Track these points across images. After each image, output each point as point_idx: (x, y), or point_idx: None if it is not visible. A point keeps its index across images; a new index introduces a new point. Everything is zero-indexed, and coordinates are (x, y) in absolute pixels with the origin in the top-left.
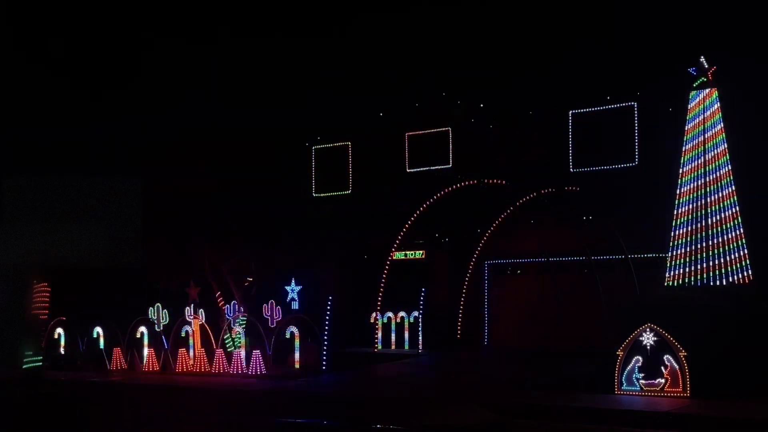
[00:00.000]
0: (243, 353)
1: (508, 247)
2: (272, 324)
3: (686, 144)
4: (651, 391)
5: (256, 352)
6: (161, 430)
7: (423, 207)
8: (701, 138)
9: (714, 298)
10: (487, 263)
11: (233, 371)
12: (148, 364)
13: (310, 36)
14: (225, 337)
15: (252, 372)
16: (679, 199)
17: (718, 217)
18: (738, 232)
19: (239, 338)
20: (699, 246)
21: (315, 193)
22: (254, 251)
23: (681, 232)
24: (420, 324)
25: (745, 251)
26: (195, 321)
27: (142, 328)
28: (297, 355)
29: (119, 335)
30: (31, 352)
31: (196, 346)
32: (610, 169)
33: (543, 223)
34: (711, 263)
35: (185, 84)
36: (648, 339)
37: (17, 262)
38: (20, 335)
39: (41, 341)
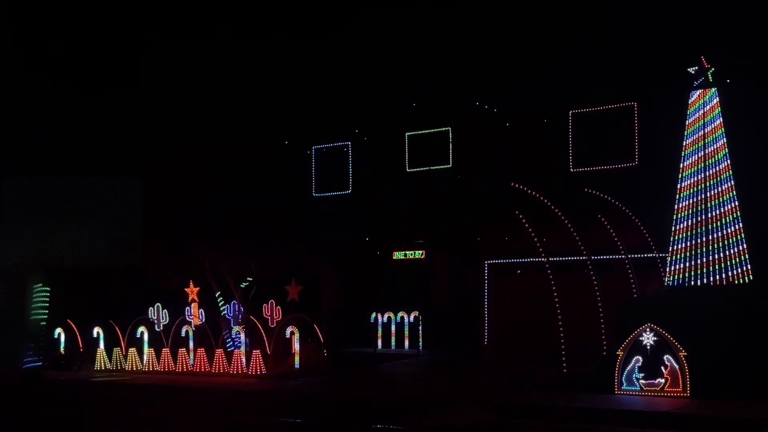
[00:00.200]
0: (243, 353)
1: (508, 247)
2: (272, 324)
3: (687, 138)
4: (651, 391)
5: (256, 352)
6: (161, 429)
7: (423, 207)
8: (701, 132)
9: (714, 298)
10: (487, 263)
11: (233, 371)
12: (148, 364)
13: (310, 36)
14: (225, 337)
15: (252, 372)
16: (679, 194)
17: (717, 212)
18: (737, 227)
19: (239, 338)
20: (699, 240)
21: (315, 193)
22: (254, 251)
23: (681, 226)
24: (420, 324)
25: (745, 246)
26: (195, 321)
27: (142, 328)
28: (297, 355)
29: (119, 335)
30: (30, 352)
31: (195, 346)
32: (610, 169)
33: (543, 223)
34: (711, 258)
35: (185, 84)
36: (648, 339)
37: (17, 262)
38: (20, 335)
39: (41, 341)
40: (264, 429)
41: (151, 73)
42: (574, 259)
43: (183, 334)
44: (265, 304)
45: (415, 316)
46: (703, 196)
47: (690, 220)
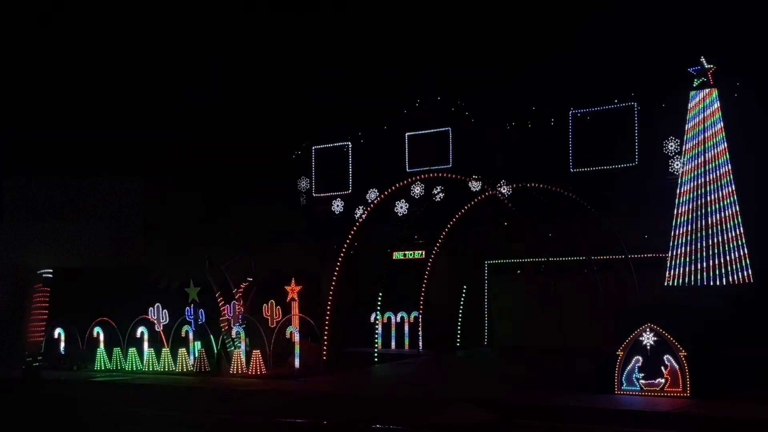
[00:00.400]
0: (243, 353)
1: (508, 247)
2: (272, 324)
3: (686, 143)
4: (651, 391)
5: (256, 352)
6: (160, 429)
7: (423, 207)
8: (701, 137)
9: (714, 298)
10: (487, 263)
11: (233, 371)
12: (148, 363)
13: (310, 36)
14: (225, 337)
15: (252, 372)
16: (679, 198)
17: (717, 217)
18: (738, 232)
19: (239, 338)
20: (699, 245)
21: (315, 193)
22: (254, 251)
23: (681, 231)
24: (420, 324)
25: (745, 251)
26: (194, 321)
27: (142, 328)
28: (297, 355)
29: (119, 335)
30: (30, 352)
31: (195, 346)
32: (610, 169)
33: (543, 223)
34: (711, 263)
35: (185, 84)
36: (648, 339)
37: (17, 262)
38: (20, 335)
39: (41, 339)
40: (264, 429)
41: (151, 73)
42: (574, 259)
43: (183, 334)
44: (265, 304)
45: (415, 316)
46: (702, 201)
47: (690, 225)
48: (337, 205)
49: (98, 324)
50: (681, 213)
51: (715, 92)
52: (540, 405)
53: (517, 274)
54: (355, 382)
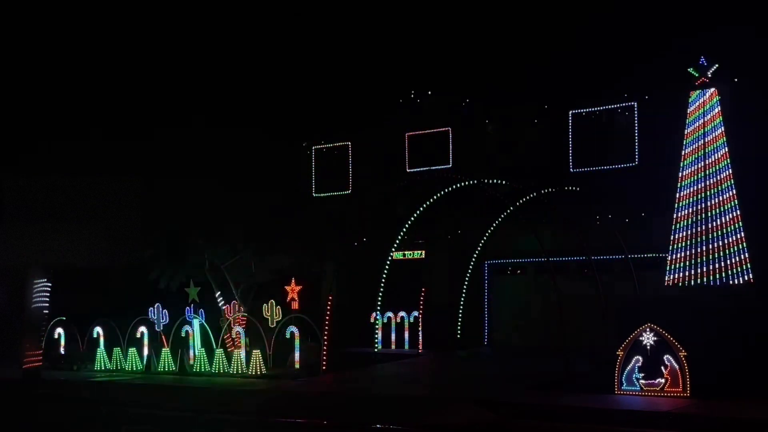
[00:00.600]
0: (243, 353)
1: (508, 247)
2: (272, 324)
3: (685, 148)
4: (651, 391)
5: (256, 352)
6: (160, 429)
7: (423, 207)
8: (701, 142)
9: (714, 298)
10: (487, 263)
11: (233, 371)
12: (148, 364)
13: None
14: (225, 337)
15: (252, 372)
16: (678, 203)
17: (718, 222)
18: (739, 236)
19: (239, 338)
20: (699, 250)
21: (315, 193)
22: (254, 251)
23: (681, 235)
24: (420, 324)
25: (746, 255)
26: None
27: (142, 328)
28: (297, 355)
29: (119, 335)
30: (30, 351)
31: (195, 346)
32: (610, 169)
33: (543, 223)
34: (711, 267)
35: (185, 83)
36: (648, 339)
37: (17, 262)
38: (20, 334)
39: (41, 339)
40: (264, 429)
41: (151, 73)
42: (574, 259)
43: (183, 334)
44: (265, 304)
45: (415, 316)
46: (703, 206)
47: (689, 230)
48: (337, 205)
49: (98, 324)
50: (680, 218)
51: (715, 97)
52: (540, 405)
53: (517, 274)
54: (355, 382)
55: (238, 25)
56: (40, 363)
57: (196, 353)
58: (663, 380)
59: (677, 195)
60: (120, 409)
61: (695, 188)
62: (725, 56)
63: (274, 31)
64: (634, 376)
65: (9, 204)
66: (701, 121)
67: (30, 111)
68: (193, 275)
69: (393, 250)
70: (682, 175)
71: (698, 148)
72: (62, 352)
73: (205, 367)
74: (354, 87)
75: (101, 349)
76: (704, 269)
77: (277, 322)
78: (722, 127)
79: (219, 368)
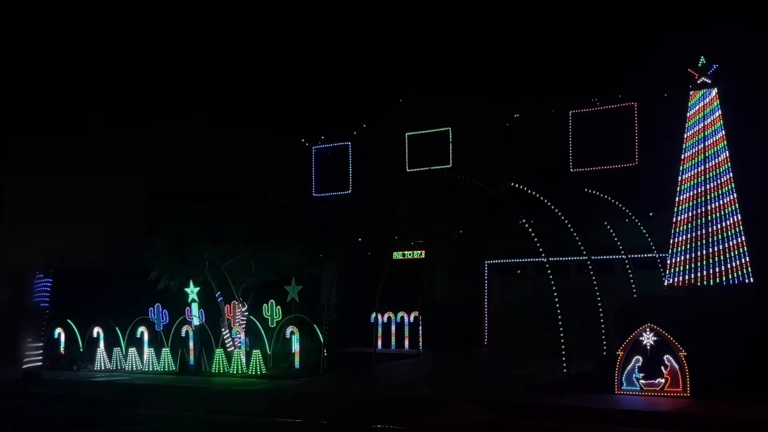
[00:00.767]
0: (243, 353)
1: (508, 247)
2: (272, 324)
3: (685, 151)
4: (651, 391)
5: (256, 352)
6: (161, 429)
7: (423, 207)
8: (701, 146)
9: (714, 297)
10: (487, 263)
11: (233, 371)
12: (148, 364)
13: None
14: (225, 337)
15: (252, 372)
16: (678, 206)
17: (718, 225)
18: (739, 240)
19: (239, 338)
20: (699, 254)
21: (315, 193)
22: (254, 251)
23: (681, 239)
24: (420, 324)
25: (746, 259)
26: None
27: (142, 328)
28: (297, 355)
29: (119, 335)
30: (30, 351)
31: (195, 346)
32: (610, 169)
33: (543, 223)
34: (711, 271)
35: (185, 84)
36: (648, 339)
37: (17, 262)
38: (20, 334)
39: (41, 338)
40: (264, 429)
41: (150, 72)
42: (574, 259)
43: (183, 334)
44: (265, 304)
45: (415, 316)
46: (703, 209)
47: (690, 233)
48: (337, 205)
49: (98, 324)
50: (680, 221)
51: (716, 101)
52: (540, 405)
53: (517, 274)
54: (354, 382)
55: (237, 25)
56: (40, 363)
57: (196, 353)
58: (663, 380)
59: (677, 198)
60: (120, 409)
61: (695, 192)
62: (725, 56)
63: (274, 31)
64: (634, 376)
65: (9, 204)
66: (701, 124)
67: (30, 111)
68: (193, 275)
69: (393, 250)
70: (681, 178)
71: (698, 152)
72: (62, 352)
73: (205, 367)
74: (354, 87)
75: (101, 349)
76: (704, 273)
77: (277, 322)
78: (723, 131)
79: (219, 368)
